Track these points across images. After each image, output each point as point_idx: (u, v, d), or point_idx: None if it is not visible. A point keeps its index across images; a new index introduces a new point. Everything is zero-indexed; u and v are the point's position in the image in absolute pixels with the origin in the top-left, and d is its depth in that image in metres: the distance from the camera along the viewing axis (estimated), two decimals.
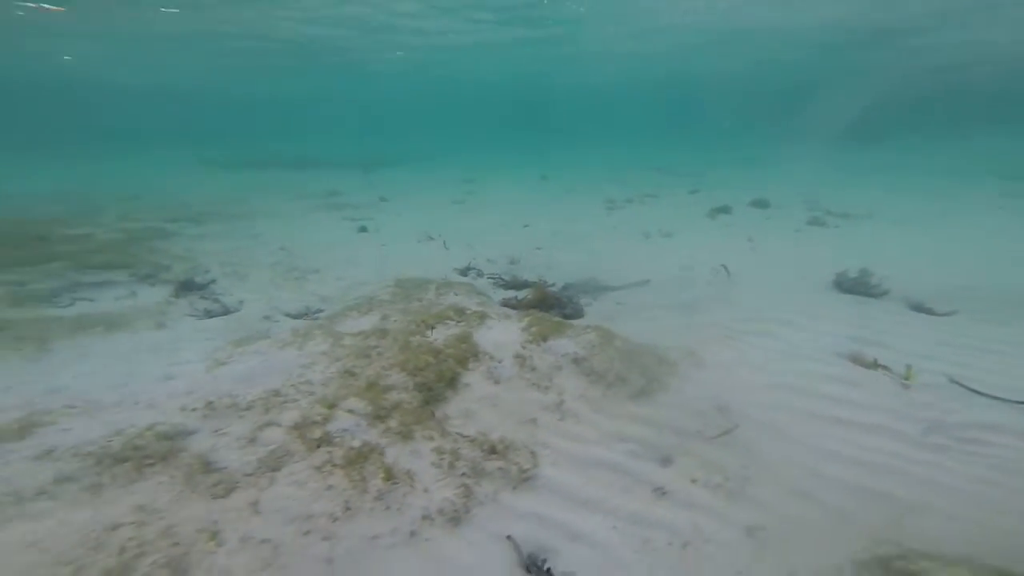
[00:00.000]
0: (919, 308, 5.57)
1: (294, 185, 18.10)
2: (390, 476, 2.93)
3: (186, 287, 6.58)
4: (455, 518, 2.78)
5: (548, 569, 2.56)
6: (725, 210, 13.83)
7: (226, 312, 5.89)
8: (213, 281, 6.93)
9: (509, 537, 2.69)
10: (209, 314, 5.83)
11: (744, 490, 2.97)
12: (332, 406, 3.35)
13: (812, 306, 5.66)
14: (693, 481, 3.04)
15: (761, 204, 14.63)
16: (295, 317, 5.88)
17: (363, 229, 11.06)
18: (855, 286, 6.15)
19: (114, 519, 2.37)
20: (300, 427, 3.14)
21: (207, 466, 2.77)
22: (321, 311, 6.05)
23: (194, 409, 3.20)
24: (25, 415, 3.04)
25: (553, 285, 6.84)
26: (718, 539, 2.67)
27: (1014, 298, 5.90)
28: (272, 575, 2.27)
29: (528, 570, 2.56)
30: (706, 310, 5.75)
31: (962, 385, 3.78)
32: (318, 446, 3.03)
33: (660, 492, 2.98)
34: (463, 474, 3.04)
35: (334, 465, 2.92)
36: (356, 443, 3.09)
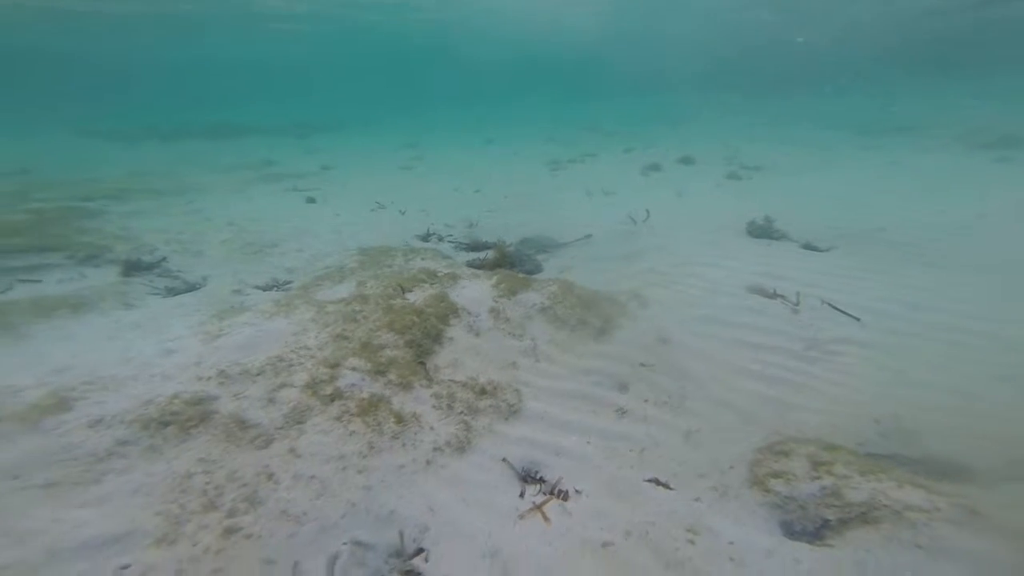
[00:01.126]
0: (808, 247, 6.76)
1: (222, 156, 16.71)
2: (400, 419, 3.39)
3: (135, 267, 6.31)
4: (460, 447, 3.33)
5: (540, 477, 3.20)
6: (656, 168, 14.81)
7: (191, 288, 5.81)
8: (164, 259, 6.67)
9: (504, 459, 3.29)
10: (172, 292, 5.73)
11: (683, 404, 3.76)
12: (335, 366, 3.70)
13: (729, 249, 6.63)
14: (645, 401, 3.79)
15: (687, 161, 15.78)
16: (265, 289, 5.93)
17: (311, 200, 10.74)
18: (761, 232, 7.23)
19: (185, 469, 2.68)
20: (312, 386, 3.47)
21: (242, 424, 3.07)
22: (290, 283, 6.13)
23: (209, 378, 3.41)
24: (52, 391, 3.11)
25: (511, 245, 7.31)
26: (666, 443, 3.44)
27: (867, 235, 7.34)
28: (327, 501, 2.71)
29: (525, 480, 3.19)
30: (646, 258, 6.54)
31: (832, 306, 4.85)
32: (332, 400, 3.40)
33: (621, 412, 3.70)
34: (461, 412, 3.57)
35: (351, 414, 3.32)
36: (365, 395, 3.50)
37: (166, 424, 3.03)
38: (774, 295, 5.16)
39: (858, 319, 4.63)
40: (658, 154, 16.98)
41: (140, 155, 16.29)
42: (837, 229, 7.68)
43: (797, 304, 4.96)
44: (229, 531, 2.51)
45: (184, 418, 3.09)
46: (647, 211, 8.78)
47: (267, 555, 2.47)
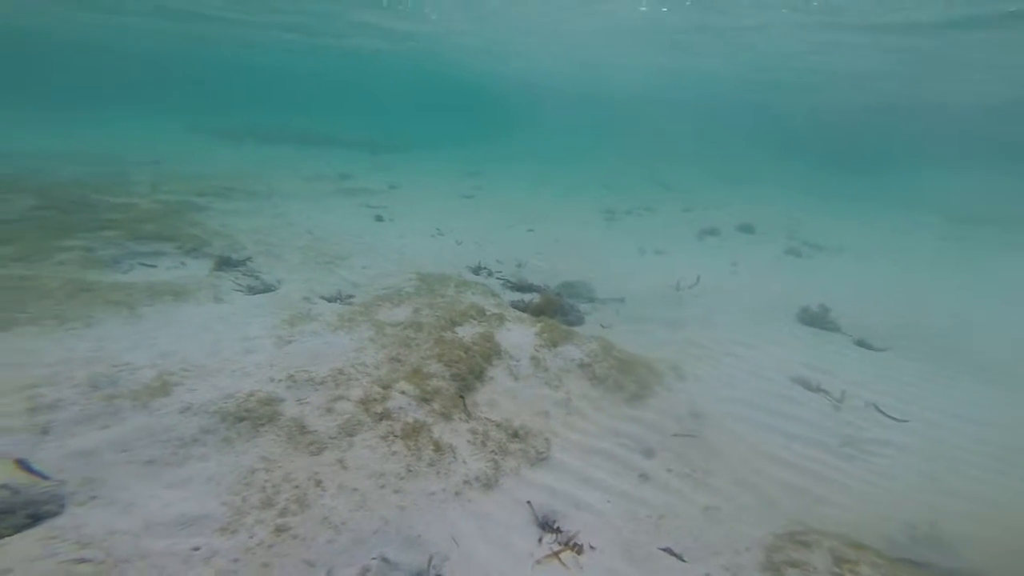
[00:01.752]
0: (862, 344, 6.58)
1: (304, 163, 18.38)
2: (438, 448, 3.70)
3: (225, 263, 7.14)
4: (488, 484, 3.58)
5: (558, 527, 3.39)
6: (714, 232, 14.78)
7: (267, 290, 6.51)
8: (249, 259, 7.49)
9: (528, 502, 3.50)
10: (252, 291, 6.44)
11: (706, 480, 3.84)
12: (387, 387, 4.09)
13: (777, 334, 6.59)
14: (668, 471, 3.89)
15: (747, 229, 15.64)
16: (329, 300, 6.52)
17: (379, 218, 11.62)
18: (814, 320, 7.12)
19: (250, 465, 3.10)
20: (365, 402, 3.87)
21: (302, 429, 3.50)
22: (352, 296, 6.71)
23: (279, 380, 3.90)
24: (159, 374, 3.69)
25: (557, 292, 7.62)
26: (683, 514, 3.53)
27: (934, 339, 7.01)
28: (364, 515, 3.03)
29: (543, 527, 3.38)
30: (690, 328, 6.63)
31: (877, 408, 4.75)
32: (381, 419, 3.78)
33: (644, 477, 3.83)
34: (492, 451, 3.84)
35: (395, 436, 3.68)
36: (410, 419, 3.85)
37: (241, 419, 3.50)
38: (817, 389, 5.12)
39: (905, 421, 4.52)
40: (718, 218, 16.94)
41: (240, 155, 18.22)
42: (897, 326, 7.43)
43: (840, 401, 4.90)
44: (280, 529, 2.87)
45: (256, 416, 3.56)
46: (698, 278, 8.85)
47: (309, 557, 2.80)
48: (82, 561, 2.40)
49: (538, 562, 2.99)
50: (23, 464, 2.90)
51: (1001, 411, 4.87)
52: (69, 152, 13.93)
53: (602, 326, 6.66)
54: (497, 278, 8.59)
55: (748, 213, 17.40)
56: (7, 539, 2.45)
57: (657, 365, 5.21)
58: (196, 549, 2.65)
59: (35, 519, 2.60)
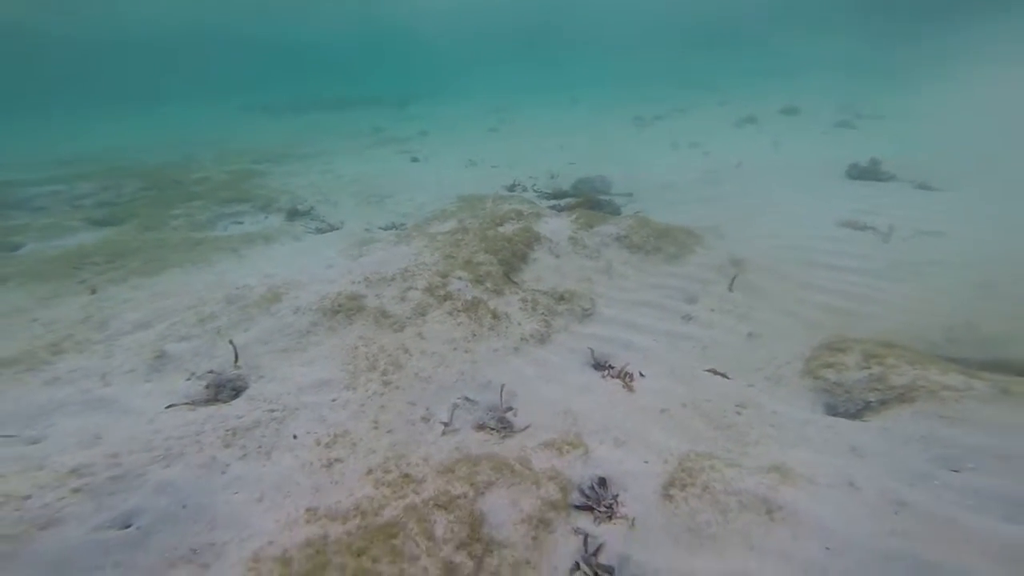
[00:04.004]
0: (923, 187, 6.02)
1: (341, 125, 18.66)
2: (495, 316, 4.06)
3: (293, 214, 7.73)
4: (542, 339, 3.91)
5: (609, 364, 3.68)
6: (752, 120, 13.57)
7: (332, 229, 7.04)
8: (312, 208, 8.04)
9: (591, 349, 3.79)
10: (320, 231, 6.99)
11: (748, 314, 3.93)
12: (445, 276, 4.45)
13: (822, 190, 6.21)
14: (711, 311, 4.01)
15: (790, 111, 14.19)
16: (386, 229, 6.95)
17: (415, 160, 11.79)
18: (864, 173, 6.58)
19: (352, 343, 3.63)
20: (430, 289, 4.27)
21: (384, 313, 3.97)
22: (404, 224, 7.09)
23: (358, 282, 4.37)
24: (269, 288, 4.31)
25: (590, 192, 7.54)
26: (727, 342, 3.68)
27: (1004, 177, 6.24)
28: (444, 370, 3.48)
29: (596, 367, 3.68)
30: (729, 200, 6.40)
31: (926, 234, 4.48)
32: (444, 300, 4.17)
33: (687, 318, 3.99)
34: (542, 314, 4.14)
35: (458, 311, 4.06)
36: (468, 297, 4.21)
37: (337, 312, 4.02)
38: (864, 227, 4.87)
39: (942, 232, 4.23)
40: (756, 106, 15.41)
41: (285, 126, 18.88)
42: (959, 172, 6.67)
43: (888, 234, 4.66)
44: (386, 383, 3.38)
45: (347, 308, 4.06)
46: (739, 162, 8.32)
47: (410, 399, 3.30)
48: (273, 411, 3.05)
49: (603, 377, 3.32)
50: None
51: None
52: (138, 145, 15.12)
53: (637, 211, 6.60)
54: (533, 191, 8.61)
55: (792, 99, 15.63)
56: (231, 403, 3.15)
57: (695, 229, 5.17)
58: (334, 400, 3.23)
59: (237, 391, 3.30)
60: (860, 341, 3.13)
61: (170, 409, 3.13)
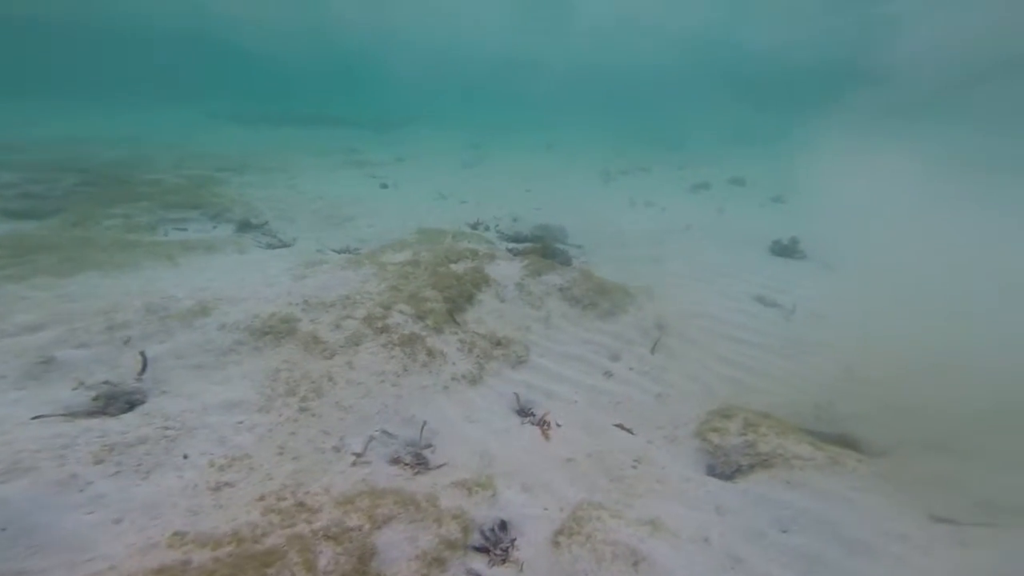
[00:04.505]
0: (826, 266, 6.92)
1: (314, 142, 18.71)
2: (431, 353, 4.24)
3: (245, 225, 7.69)
4: (473, 380, 4.11)
5: (532, 411, 3.92)
6: (705, 186, 14.83)
7: (285, 245, 7.06)
8: (266, 223, 8.02)
9: (516, 394, 4.02)
10: (271, 247, 6.99)
11: (661, 376, 4.31)
12: (388, 307, 4.62)
13: (748, 263, 6.94)
14: (630, 369, 4.38)
15: (738, 182, 15.62)
16: (339, 252, 7.05)
17: (384, 186, 12.02)
18: (784, 250, 7.41)
19: (275, 366, 3.68)
20: (368, 319, 4.41)
21: (316, 340, 4.06)
22: (359, 249, 7.22)
23: (296, 304, 4.45)
24: (198, 302, 4.27)
25: (544, 239, 8.00)
26: (639, 400, 4.02)
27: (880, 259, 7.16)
28: (368, 401, 3.60)
29: (520, 412, 3.91)
30: (669, 262, 6.99)
31: (817, 315, 5.13)
32: (382, 331, 4.31)
33: (608, 374, 4.32)
34: (478, 356, 4.36)
35: (394, 344, 4.21)
36: (407, 331, 4.38)
37: (266, 333, 4.07)
38: (773, 304, 5.49)
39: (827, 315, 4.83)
40: (711, 173, 16.88)
41: (255, 137, 18.66)
42: (854, 250, 7.61)
43: (792, 312, 5.27)
44: (302, 410, 3.45)
45: (277, 330, 4.12)
46: (687, 225, 9.09)
47: (325, 428, 3.38)
48: (167, 428, 3.02)
49: (521, 424, 3.55)
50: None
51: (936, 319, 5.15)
52: (97, 138, 14.55)
53: (584, 263, 7.06)
54: (494, 231, 8.99)
55: (743, 169, 17.27)
56: (119, 416, 3.08)
57: (631, 289, 5.63)
58: (240, 422, 3.25)
59: (131, 405, 3.23)
60: (744, 410, 3.55)
61: (37, 420, 3.02)
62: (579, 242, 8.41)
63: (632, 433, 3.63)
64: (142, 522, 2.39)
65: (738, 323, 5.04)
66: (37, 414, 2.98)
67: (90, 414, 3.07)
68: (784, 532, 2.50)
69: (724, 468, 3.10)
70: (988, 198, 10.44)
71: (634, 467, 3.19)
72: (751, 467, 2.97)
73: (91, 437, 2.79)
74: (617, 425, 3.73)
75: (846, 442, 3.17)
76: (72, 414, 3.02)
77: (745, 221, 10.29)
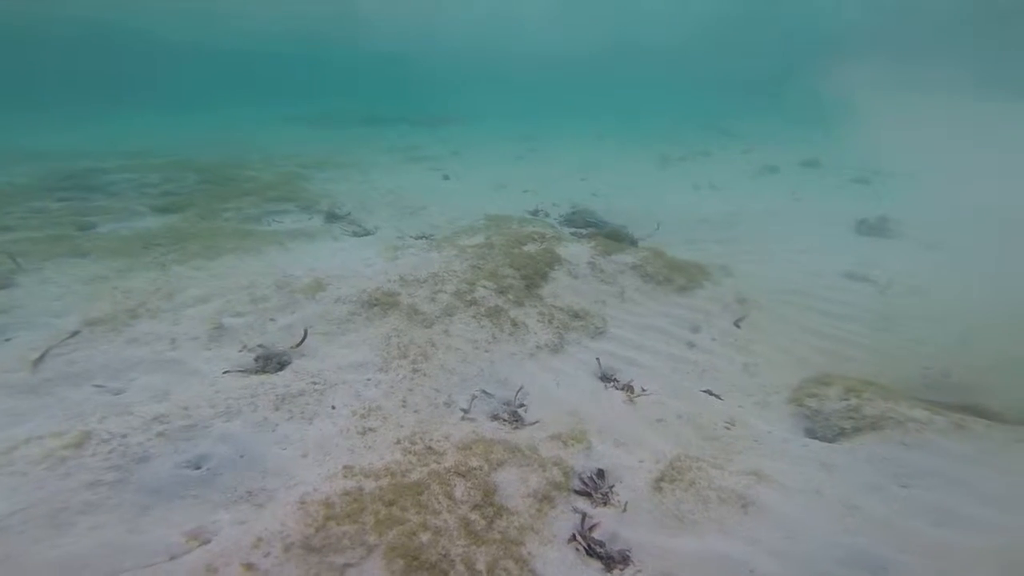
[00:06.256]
0: (923, 245, 6.41)
1: (377, 140, 19.73)
2: (515, 324, 4.49)
3: (332, 216, 8.36)
4: (555, 349, 4.32)
5: (615, 378, 4.06)
6: (773, 169, 14.06)
7: (368, 234, 7.62)
8: (349, 213, 8.68)
9: (597, 359, 4.18)
10: (357, 235, 7.58)
11: (747, 347, 4.29)
12: (472, 283, 4.93)
13: (831, 242, 6.60)
14: (713, 340, 4.39)
15: (812, 164, 14.64)
16: (417, 238, 7.50)
17: (446, 177, 12.51)
18: (872, 230, 6.94)
19: (387, 332, 4.09)
20: (458, 293, 4.73)
21: (416, 311, 4.44)
22: (434, 236, 7.64)
23: (393, 280, 4.87)
24: (314, 280, 4.83)
25: (608, 225, 8.03)
26: (724, 369, 4.04)
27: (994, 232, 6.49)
28: (466, 366, 3.91)
29: (603, 379, 4.07)
30: (743, 242, 6.82)
31: (918, 290, 4.81)
32: (470, 304, 4.63)
33: (690, 344, 4.36)
34: (557, 326, 4.56)
35: (482, 315, 4.51)
36: (491, 304, 4.66)
37: (374, 305, 4.51)
38: (864, 279, 5.23)
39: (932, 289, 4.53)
40: (779, 156, 15.93)
41: (324, 136, 20.05)
42: (958, 228, 6.99)
43: (888, 287, 5.00)
44: (414, 370, 3.80)
45: (383, 302, 4.55)
46: (761, 208, 8.75)
47: (435, 386, 3.71)
48: (315, 384, 3.50)
49: (605, 388, 3.71)
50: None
51: None
52: (197, 143, 16.27)
53: (653, 244, 7.03)
54: (555, 217, 9.13)
55: (815, 151, 16.13)
56: (277, 374, 3.60)
57: (707, 266, 5.58)
58: (368, 379, 3.67)
59: (281, 365, 3.77)
60: (843, 378, 3.47)
61: (227, 374, 3.60)
62: (642, 226, 8.36)
63: (720, 399, 3.68)
64: (320, 457, 2.84)
65: (827, 297, 4.87)
66: (226, 370, 3.57)
67: (257, 371, 3.62)
68: (904, 487, 2.47)
69: (824, 432, 3.09)
70: None
71: (727, 428, 3.25)
72: (856, 430, 2.94)
73: (267, 389, 3.30)
74: (704, 391, 3.78)
75: (969, 411, 3.03)
76: (246, 371, 3.59)
77: (824, 203, 9.70)
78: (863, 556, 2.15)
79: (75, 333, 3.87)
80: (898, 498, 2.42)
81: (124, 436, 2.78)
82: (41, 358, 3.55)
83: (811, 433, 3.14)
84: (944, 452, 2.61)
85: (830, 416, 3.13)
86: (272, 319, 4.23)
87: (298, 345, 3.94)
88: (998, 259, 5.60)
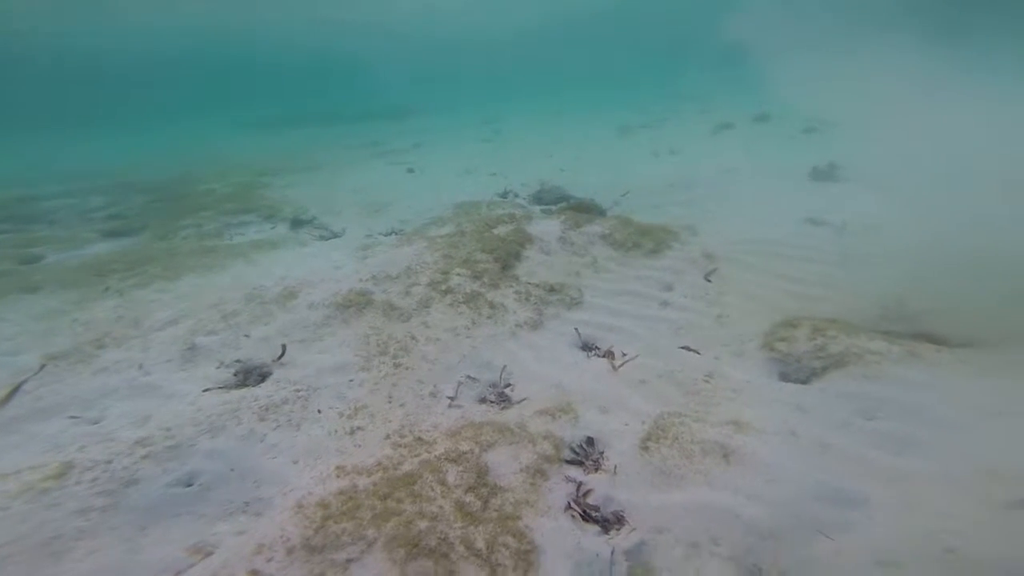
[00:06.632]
0: (869, 186, 6.65)
1: (337, 138, 19.12)
2: (493, 306, 4.49)
3: (298, 222, 8.12)
4: (535, 325, 4.34)
5: (596, 346, 4.12)
6: (728, 126, 14.25)
7: (336, 236, 7.44)
8: (315, 217, 8.44)
9: (576, 329, 4.23)
10: (324, 238, 7.39)
11: (718, 299, 4.40)
12: (446, 273, 4.88)
13: (788, 192, 6.77)
14: (685, 296, 4.48)
15: (763, 118, 14.89)
16: (386, 235, 7.37)
17: (411, 170, 12.25)
18: (823, 175, 7.16)
19: (364, 332, 4.03)
20: (432, 284, 4.69)
21: (391, 307, 4.38)
22: (403, 230, 7.51)
23: (366, 280, 4.78)
24: (285, 288, 4.70)
25: (574, 199, 8.04)
26: (698, 323, 4.15)
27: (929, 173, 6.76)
28: (448, 354, 3.89)
29: (583, 348, 4.12)
30: (705, 202, 6.93)
31: (871, 228, 5.01)
32: (446, 293, 4.59)
33: (664, 303, 4.45)
34: (535, 303, 4.58)
35: (459, 302, 4.49)
36: (468, 290, 4.64)
37: (348, 306, 4.42)
38: (821, 222, 5.40)
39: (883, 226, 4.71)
40: (733, 114, 16.13)
41: (281, 141, 19.31)
42: (898, 170, 7.26)
43: (844, 228, 5.19)
44: (396, 365, 3.77)
45: (357, 303, 4.47)
46: (718, 167, 8.88)
47: (419, 378, 3.70)
48: (298, 391, 3.42)
49: (588, 358, 3.76)
50: None
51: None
52: (141, 160, 15.42)
53: (620, 212, 7.09)
54: (524, 197, 9.09)
55: (765, 106, 16.35)
56: (259, 386, 3.51)
57: (672, 227, 5.67)
58: (351, 380, 3.62)
59: (263, 377, 3.67)
60: (810, 319, 3.61)
61: (207, 392, 3.51)
62: (608, 196, 8.40)
63: (698, 353, 3.78)
64: (310, 462, 2.81)
65: (788, 243, 5.02)
66: (206, 388, 3.46)
67: (237, 386, 3.53)
68: (869, 420, 2.61)
69: (797, 374, 3.21)
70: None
71: (707, 381, 3.35)
72: (824, 369, 3.07)
73: (249, 402, 3.22)
74: (683, 347, 3.88)
75: (922, 338, 3.20)
76: (226, 387, 3.49)
77: (777, 156, 9.92)
78: (836, 491, 2.29)
79: (42, 368, 3.69)
80: (864, 430, 2.57)
81: (108, 462, 2.70)
82: (12, 394, 3.39)
83: (785, 376, 3.27)
84: (900, 381, 2.77)
85: (800, 358, 3.26)
86: (246, 334, 4.11)
87: (279, 358, 3.86)
88: (941, 197, 5.86)
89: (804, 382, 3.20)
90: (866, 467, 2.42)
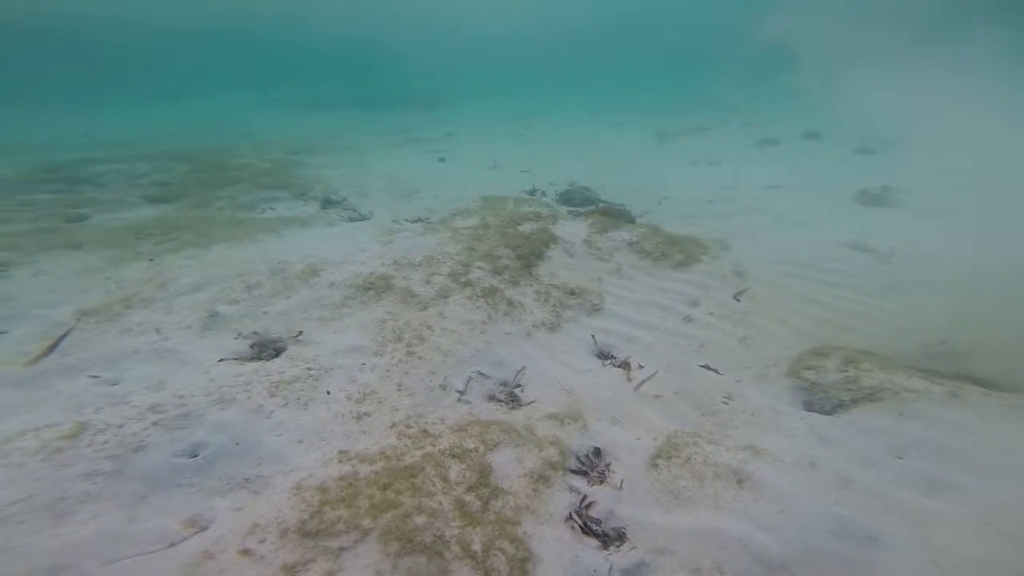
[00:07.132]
0: (926, 213, 6.21)
1: (371, 123, 19.34)
2: (511, 304, 4.41)
3: (327, 202, 8.22)
4: (552, 327, 4.24)
5: (612, 355, 3.99)
6: (773, 142, 13.70)
7: (364, 218, 7.49)
8: (345, 199, 8.52)
9: (593, 336, 4.12)
10: (352, 220, 7.45)
11: (744, 319, 4.20)
12: (467, 265, 4.82)
13: (832, 213, 6.43)
14: (711, 314, 4.30)
15: (813, 136, 14.25)
16: (412, 221, 7.37)
17: (442, 159, 12.26)
18: (874, 199, 6.76)
19: (382, 316, 4.01)
20: (453, 275, 4.64)
21: (410, 293, 4.35)
22: (430, 218, 7.50)
23: (388, 264, 4.77)
24: (308, 265, 4.74)
25: (603, 202, 7.85)
26: (721, 343, 3.97)
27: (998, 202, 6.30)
28: (462, 347, 3.84)
29: (599, 356, 4.00)
30: (741, 216, 6.66)
31: (920, 258, 4.68)
32: (465, 286, 4.53)
33: (687, 319, 4.28)
34: (554, 305, 4.47)
35: (477, 296, 4.42)
36: (487, 284, 4.57)
37: (368, 289, 4.42)
38: (865, 248, 5.10)
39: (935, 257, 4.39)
40: (778, 129, 15.50)
41: (316, 121, 19.68)
42: (962, 198, 6.79)
43: (890, 256, 4.88)
44: (409, 353, 3.74)
45: (377, 286, 4.46)
46: (763, 183, 8.54)
47: (430, 369, 3.65)
48: (310, 369, 3.44)
49: (603, 366, 3.64)
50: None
51: None
52: (185, 132, 15.96)
53: (650, 221, 6.88)
54: (552, 196, 8.95)
55: (816, 123, 15.64)
56: (272, 360, 3.55)
57: (703, 240, 5.46)
58: (364, 364, 3.60)
59: (277, 352, 3.71)
60: (842, 349, 3.39)
61: (222, 362, 3.55)
62: (640, 203, 8.18)
63: (719, 373, 3.61)
64: (315, 443, 2.80)
65: (827, 268, 4.75)
66: (221, 358, 3.51)
67: (252, 358, 3.56)
68: (900, 459, 2.42)
69: (823, 404, 3.03)
70: None
71: (725, 403, 3.19)
72: (855, 401, 2.88)
73: (261, 376, 3.24)
74: (702, 366, 3.72)
75: (967, 379, 2.96)
76: (240, 358, 3.53)
77: (825, 175, 9.44)
78: (853, 527, 2.13)
79: (77, 323, 3.82)
80: (892, 469, 2.38)
81: (120, 426, 2.75)
82: (55, 346, 3.52)
83: (809, 406, 3.08)
84: (939, 422, 2.56)
85: (828, 388, 3.07)
86: (266, 309, 4.15)
87: (297, 335, 3.88)
88: (1007, 230, 5.44)
89: (829, 413, 3.01)
90: (892, 506, 2.24)
